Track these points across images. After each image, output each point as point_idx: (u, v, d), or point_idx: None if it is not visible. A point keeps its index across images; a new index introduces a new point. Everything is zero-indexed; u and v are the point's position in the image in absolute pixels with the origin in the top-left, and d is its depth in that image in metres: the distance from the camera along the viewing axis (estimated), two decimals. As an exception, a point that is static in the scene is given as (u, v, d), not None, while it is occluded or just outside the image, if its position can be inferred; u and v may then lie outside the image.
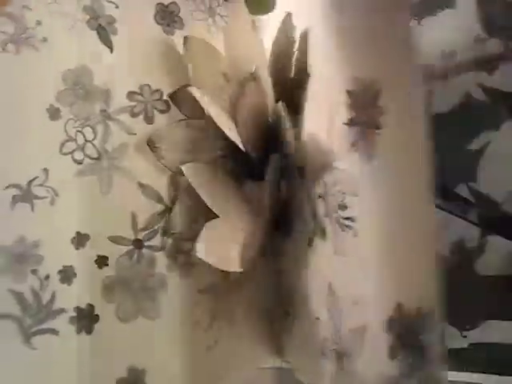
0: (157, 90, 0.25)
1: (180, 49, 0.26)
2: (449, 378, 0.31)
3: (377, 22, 0.28)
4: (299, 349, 0.26)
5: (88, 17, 0.24)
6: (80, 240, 0.23)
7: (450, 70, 0.38)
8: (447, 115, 0.38)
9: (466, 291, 0.37)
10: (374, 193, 0.27)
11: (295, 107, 0.24)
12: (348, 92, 0.27)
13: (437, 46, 0.39)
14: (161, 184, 0.25)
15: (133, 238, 0.24)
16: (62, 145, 0.23)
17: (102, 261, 0.23)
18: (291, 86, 0.25)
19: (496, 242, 0.36)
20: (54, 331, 0.21)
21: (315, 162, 0.25)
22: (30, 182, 0.22)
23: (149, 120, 0.25)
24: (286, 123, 0.24)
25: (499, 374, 0.36)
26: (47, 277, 0.22)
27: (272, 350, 0.26)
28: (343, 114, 0.27)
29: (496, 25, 0.37)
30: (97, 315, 0.23)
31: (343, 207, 0.26)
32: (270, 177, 0.24)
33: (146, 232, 0.24)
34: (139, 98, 0.25)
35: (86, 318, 0.23)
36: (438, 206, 0.37)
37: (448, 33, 0.39)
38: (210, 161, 0.25)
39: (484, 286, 0.36)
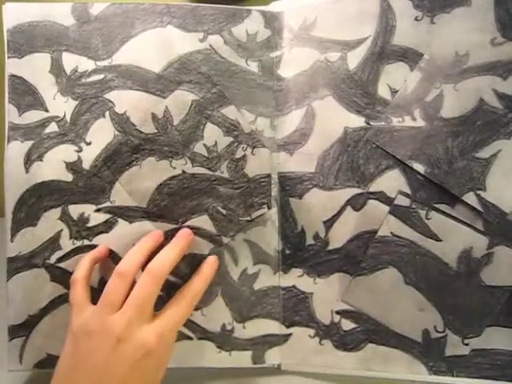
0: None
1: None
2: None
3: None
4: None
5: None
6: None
7: (462, 73, 0.37)
8: (458, 120, 0.37)
9: (471, 300, 0.37)
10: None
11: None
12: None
13: (450, 47, 0.38)
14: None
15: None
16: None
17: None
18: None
19: (504, 252, 0.36)
20: None
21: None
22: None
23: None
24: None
25: (500, 380, 0.37)
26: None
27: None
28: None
29: (514, 27, 0.36)
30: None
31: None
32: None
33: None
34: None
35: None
36: (445, 214, 0.37)
37: (462, 33, 0.37)
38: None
39: (490, 296, 0.36)
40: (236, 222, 0.40)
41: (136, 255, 0.36)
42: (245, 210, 0.40)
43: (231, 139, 0.40)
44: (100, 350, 0.31)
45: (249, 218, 0.40)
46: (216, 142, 0.40)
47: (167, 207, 0.40)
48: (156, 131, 0.39)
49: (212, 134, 0.40)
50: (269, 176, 0.40)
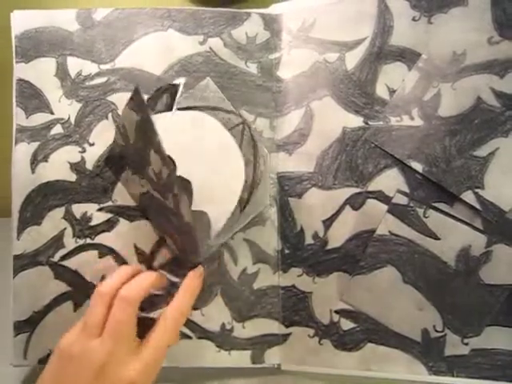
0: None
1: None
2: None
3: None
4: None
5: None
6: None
7: (460, 72, 0.37)
8: (455, 119, 0.37)
9: (470, 299, 0.36)
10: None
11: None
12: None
13: (447, 46, 0.38)
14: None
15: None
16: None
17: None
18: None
19: (502, 250, 0.35)
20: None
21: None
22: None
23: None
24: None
25: (501, 380, 0.36)
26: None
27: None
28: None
29: (511, 26, 0.36)
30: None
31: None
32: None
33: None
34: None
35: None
36: (444, 213, 0.37)
37: (459, 32, 0.38)
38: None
39: (489, 295, 0.36)
40: (186, 260, 0.38)
41: (117, 278, 0.35)
42: (190, 250, 0.37)
43: (167, 171, 0.32)
44: (82, 378, 0.31)
45: (195, 260, 0.37)
46: (161, 170, 0.33)
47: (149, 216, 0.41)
48: (123, 144, 0.39)
49: (156, 161, 0.33)
50: (190, 226, 0.33)
